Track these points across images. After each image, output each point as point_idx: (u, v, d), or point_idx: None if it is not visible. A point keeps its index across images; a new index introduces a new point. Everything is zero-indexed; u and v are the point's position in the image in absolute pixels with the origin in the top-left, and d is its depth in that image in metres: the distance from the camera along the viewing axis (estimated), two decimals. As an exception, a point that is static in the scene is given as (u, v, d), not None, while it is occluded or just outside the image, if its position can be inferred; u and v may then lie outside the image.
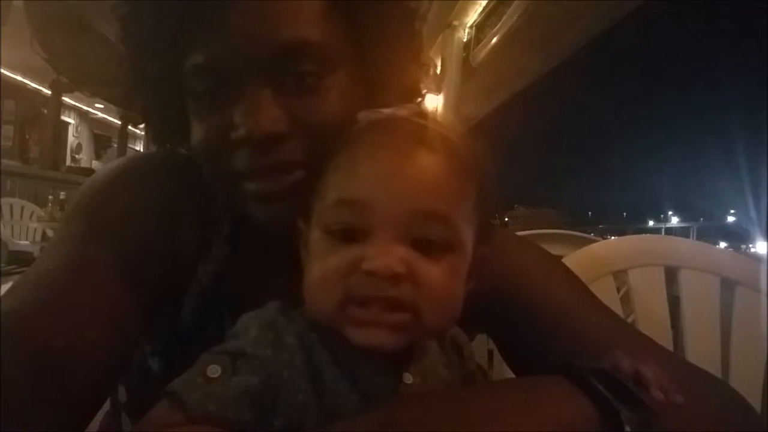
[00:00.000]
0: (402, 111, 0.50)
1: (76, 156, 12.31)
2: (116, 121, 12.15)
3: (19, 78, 9.73)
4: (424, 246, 0.44)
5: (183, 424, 0.42)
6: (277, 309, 0.50)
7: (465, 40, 5.07)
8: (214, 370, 0.44)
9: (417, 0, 0.63)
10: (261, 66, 0.52)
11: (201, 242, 0.64)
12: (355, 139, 0.49)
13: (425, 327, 0.45)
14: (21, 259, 5.83)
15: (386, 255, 0.42)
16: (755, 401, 0.88)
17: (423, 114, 0.50)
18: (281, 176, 0.54)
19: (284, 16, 0.52)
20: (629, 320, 0.99)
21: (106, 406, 0.70)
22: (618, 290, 1.02)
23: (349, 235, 0.44)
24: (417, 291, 0.43)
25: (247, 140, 0.53)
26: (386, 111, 0.50)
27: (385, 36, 0.59)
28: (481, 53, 4.89)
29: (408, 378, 0.49)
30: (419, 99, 0.66)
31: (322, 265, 0.45)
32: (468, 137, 0.51)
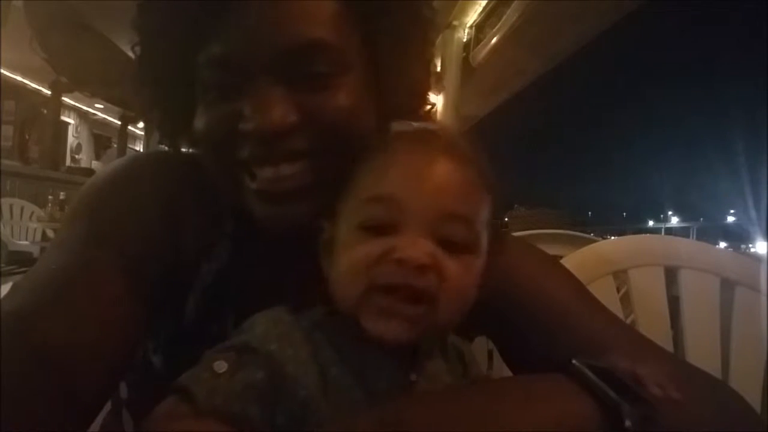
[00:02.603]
0: (432, 126, 0.55)
1: (76, 156, 12.31)
2: (116, 121, 12.14)
3: (19, 78, 9.72)
4: (446, 245, 0.47)
5: (190, 417, 0.43)
6: (284, 309, 0.51)
7: (465, 40, 5.08)
8: (220, 366, 0.45)
9: (432, 9, 0.64)
10: (276, 63, 0.53)
11: (204, 241, 0.64)
12: (389, 144, 0.53)
13: (438, 321, 0.47)
14: (21, 259, 5.83)
15: (416, 246, 0.46)
16: (755, 401, 0.88)
17: (449, 131, 0.55)
18: (286, 169, 0.55)
19: (302, 16, 0.53)
20: (629, 320, 0.99)
21: (108, 404, 0.70)
22: (618, 290, 1.02)
23: (379, 230, 0.47)
24: (439, 283, 0.46)
25: (255, 134, 0.53)
26: (417, 125, 0.55)
27: (398, 41, 0.60)
28: (481, 53, 4.89)
29: (414, 377, 0.50)
30: (428, 106, 0.67)
31: (352, 254, 0.48)
32: (478, 149, 0.54)
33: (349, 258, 0.48)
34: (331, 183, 0.56)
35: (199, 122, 0.57)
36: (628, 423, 0.43)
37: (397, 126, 0.55)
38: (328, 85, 0.55)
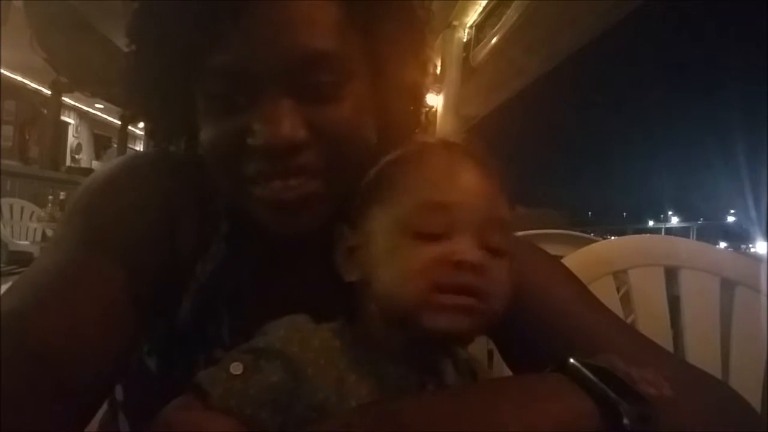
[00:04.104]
0: (450, 139, 0.57)
1: (76, 156, 12.30)
2: (116, 121, 12.12)
3: (19, 78, 9.71)
4: (489, 248, 0.50)
5: (202, 411, 0.45)
6: (305, 317, 0.53)
7: (465, 40, 5.09)
8: (236, 368, 0.47)
9: (427, 10, 0.64)
10: (282, 74, 0.52)
11: (200, 241, 0.63)
12: (424, 154, 0.54)
13: (489, 316, 0.50)
14: (21, 259, 5.83)
15: (473, 249, 0.49)
16: (755, 401, 0.88)
17: (467, 142, 0.58)
18: (294, 182, 0.54)
19: (307, 26, 0.53)
20: (629, 320, 0.99)
21: (104, 406, 0.70)
22: (618, 290, 1.02)
23: (430, 236, 0.49)
24: (489, 283, 0.49)
25: (265, 149, 0.53)
26: (438, 138, 0.57)
27: (395, 45, 0.60)
28: (481, 53, 4.90)
29: (430, 387, 0.51)
30: (426, 108, 0.68)
31: (409, 259, 0.49)
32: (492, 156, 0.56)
33: (407, 262, 0.49)
34: (338, 192, 0.56)
35: (205, 135, 0.57)
36: (626, 422, 0.43)
37: (416, 137, 0.57)
38: (334, 96, 0.54)
